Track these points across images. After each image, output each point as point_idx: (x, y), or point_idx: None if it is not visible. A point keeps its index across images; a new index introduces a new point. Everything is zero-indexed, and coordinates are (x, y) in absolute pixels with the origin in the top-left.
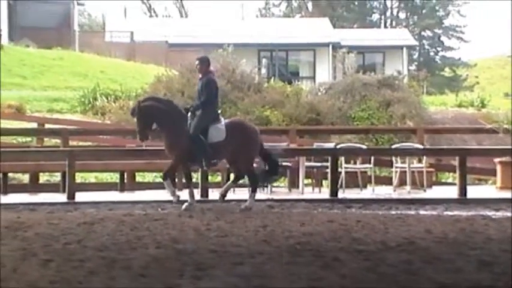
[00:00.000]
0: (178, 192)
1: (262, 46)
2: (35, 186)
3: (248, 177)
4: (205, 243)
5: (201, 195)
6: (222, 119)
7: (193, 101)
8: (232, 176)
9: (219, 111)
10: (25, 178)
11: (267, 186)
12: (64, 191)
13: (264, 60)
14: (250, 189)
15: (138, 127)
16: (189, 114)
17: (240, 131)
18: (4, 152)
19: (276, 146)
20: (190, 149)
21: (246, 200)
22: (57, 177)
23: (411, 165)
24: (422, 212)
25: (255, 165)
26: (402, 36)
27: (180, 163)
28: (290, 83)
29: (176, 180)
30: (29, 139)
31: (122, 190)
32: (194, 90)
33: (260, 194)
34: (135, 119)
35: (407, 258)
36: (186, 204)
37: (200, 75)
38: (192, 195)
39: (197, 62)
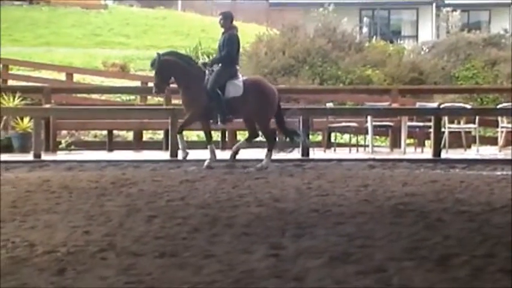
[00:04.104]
0: (217, 152)
1: (364, 5)
2: (138, 144)
3: (264, 136)
4: (306, 202)
5: (302, 155)
6: (241, 75)
7: (290, 60)
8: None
9: (238, 68)
10: (129, 136)
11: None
12: (167, 149)
13: (365, 19)
14: (267, 148)
15: (155, 80)
16: (207, 68)
17: (258, 88)
18: (109, 109)
19: (292, 109)
20: (208, 106)
21: (345, 160)
22: (160, 135)
23: None
24: None
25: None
26: None
27: (195, 119)
28: (392, 42)
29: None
30: (132, 97)
31: (223, 148)
32: (295, 49)
33: (361, 154)
34: (153, 72)
35: None
36: (207, 161)
37: (223, 30)
38: (213, 151)
39: (220, 17)
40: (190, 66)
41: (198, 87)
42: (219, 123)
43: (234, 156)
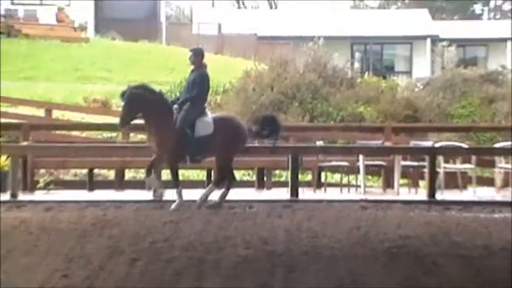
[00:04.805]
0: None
1: (356, 39)
2: (120, 183)
3: (222, 175)
4: (296, 244)
5: (291, 195)
6: (209, 113)
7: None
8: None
9: (205, 105)
10: (111, 174)
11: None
12: (150, 188)
13: (357, 54)
14: (225, 187)
15: (122, 112)
16: (175, 107)
17: (229, 126)
18: (90, 147)
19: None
20: (176, 145)
21: (336, 201)
22: (143, 174)
23: None
24: None
25: None
26: (506, 28)
27: (163, 159)
28: (385, 78)
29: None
30: (114, 134)
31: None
32: (284, 85)
33: (353, 194)
34: (122, 103)
35: None
36: (174, 204)
37: (193, 67)
38: (180, 194)
39: (190, 54)
40: (160, 102)
41: (166, 124)
42: (187, 162)
43: (203, 202)
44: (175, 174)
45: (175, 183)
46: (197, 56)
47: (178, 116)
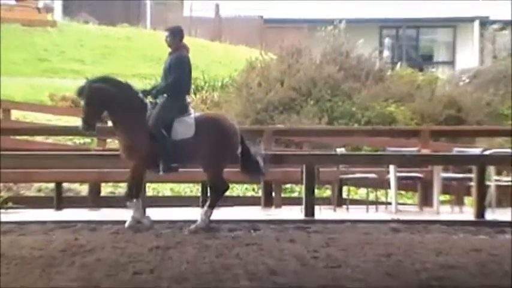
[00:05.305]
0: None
1: (385, 22)
2: (95, 200)
3: (211, 187)
4: (312, 276)
5: (306, 214)
6: (192, 110)
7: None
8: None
9: (189, 101)
10: (83, 189)
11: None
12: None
13: (387, 40)
14: (207, 203)
15: (83, 113)
16: (150, 100)
17: (214, 127)
18: (58, 155)
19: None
20: (149, 147)
21: (361, 221)
22: (122, 189)
23: None
24: None
25: None
26: None
27: (142, 169)
28: (422, 69)
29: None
30: (88, 140)
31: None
32: (296, 78)
33: (382, 213)
34: (81, 102)
35: None
36: (129, 220)
37: (170, 50)
38: (138, 208)
39: (167, 34)
40: (128, 96)
41: (139, 126)
42: (160, 172)
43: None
44: (139, 185)
45: (132, 193)
46: (175, 36)
47: (151, 112)
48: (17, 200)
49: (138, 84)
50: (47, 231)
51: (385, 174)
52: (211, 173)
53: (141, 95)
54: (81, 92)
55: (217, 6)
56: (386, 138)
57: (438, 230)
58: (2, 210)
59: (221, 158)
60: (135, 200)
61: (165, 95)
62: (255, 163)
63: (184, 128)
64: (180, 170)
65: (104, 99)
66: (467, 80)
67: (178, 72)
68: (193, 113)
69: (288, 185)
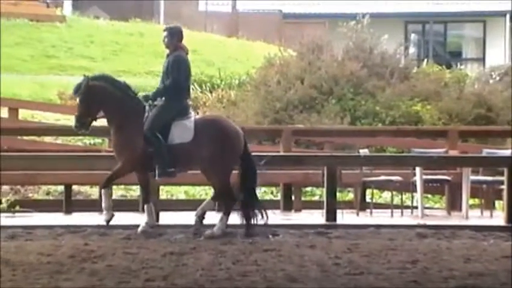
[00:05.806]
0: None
1: (411, 16)
2: None
3: (220, 195)
4: (333, 283)
5: (327, 219)
6: (192, 113)
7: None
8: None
9: (189, 102)
10: (94, 192)
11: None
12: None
13: (413, 36)
14: (223, 210)
15: (78, 111)
16: (148, 103)
17: (214, 131)
18: (67, 157)
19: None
20: (145, 152)
21: (385, 226)
22: (135, 192)
23: None
24: None
25: None
26: None
27: (128, 170)
28: (449, 66)
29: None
30: (99, 140)
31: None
32: (317, 76)
33: (408, 218)
34: (77, 100)
35: None
36: (142, 225)
37: (168, 52)
38: (150, 212)
39: (164, 34)
40: (125, 97)
41: (133, 126)
42: (156, 177)
43: (200, 222)
44: (144, 189)
45: (145, 198)
46: (172, 37)
47: (149, 114)
48: (24, 203)
49: (151, 82)
50: (56, 236)
51: (411, 176)
52: (216, 181)
53: (139, 96)
54: (77, 89)
55: (234, 0)
56: (412, 139)
57: (467, 236)
58: (9, 214)
59: (224, 163)
60: (104, 190)
61: (163, 98)
62: (254, 174)
63: (182, 132)
64: (194, 172)
65: (99, 97)
66: (497, 78)
67: (176, 74)
68: (194, 116)
69: (309, 188)
